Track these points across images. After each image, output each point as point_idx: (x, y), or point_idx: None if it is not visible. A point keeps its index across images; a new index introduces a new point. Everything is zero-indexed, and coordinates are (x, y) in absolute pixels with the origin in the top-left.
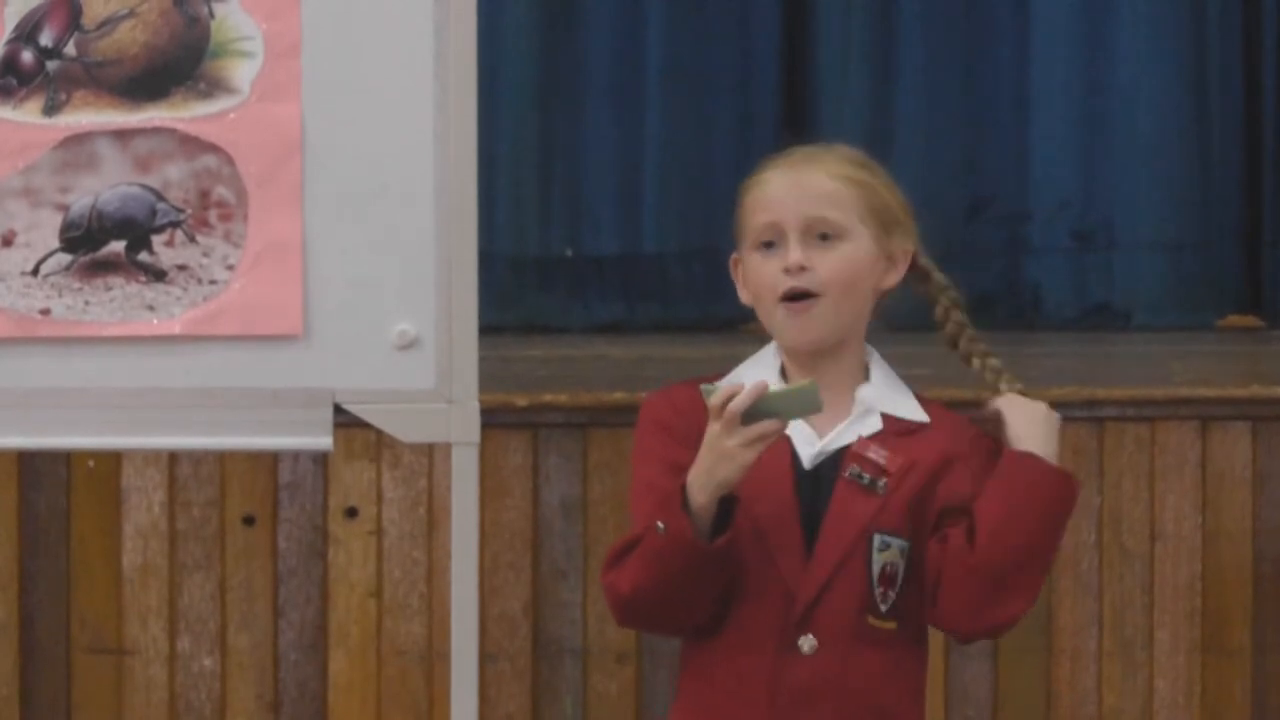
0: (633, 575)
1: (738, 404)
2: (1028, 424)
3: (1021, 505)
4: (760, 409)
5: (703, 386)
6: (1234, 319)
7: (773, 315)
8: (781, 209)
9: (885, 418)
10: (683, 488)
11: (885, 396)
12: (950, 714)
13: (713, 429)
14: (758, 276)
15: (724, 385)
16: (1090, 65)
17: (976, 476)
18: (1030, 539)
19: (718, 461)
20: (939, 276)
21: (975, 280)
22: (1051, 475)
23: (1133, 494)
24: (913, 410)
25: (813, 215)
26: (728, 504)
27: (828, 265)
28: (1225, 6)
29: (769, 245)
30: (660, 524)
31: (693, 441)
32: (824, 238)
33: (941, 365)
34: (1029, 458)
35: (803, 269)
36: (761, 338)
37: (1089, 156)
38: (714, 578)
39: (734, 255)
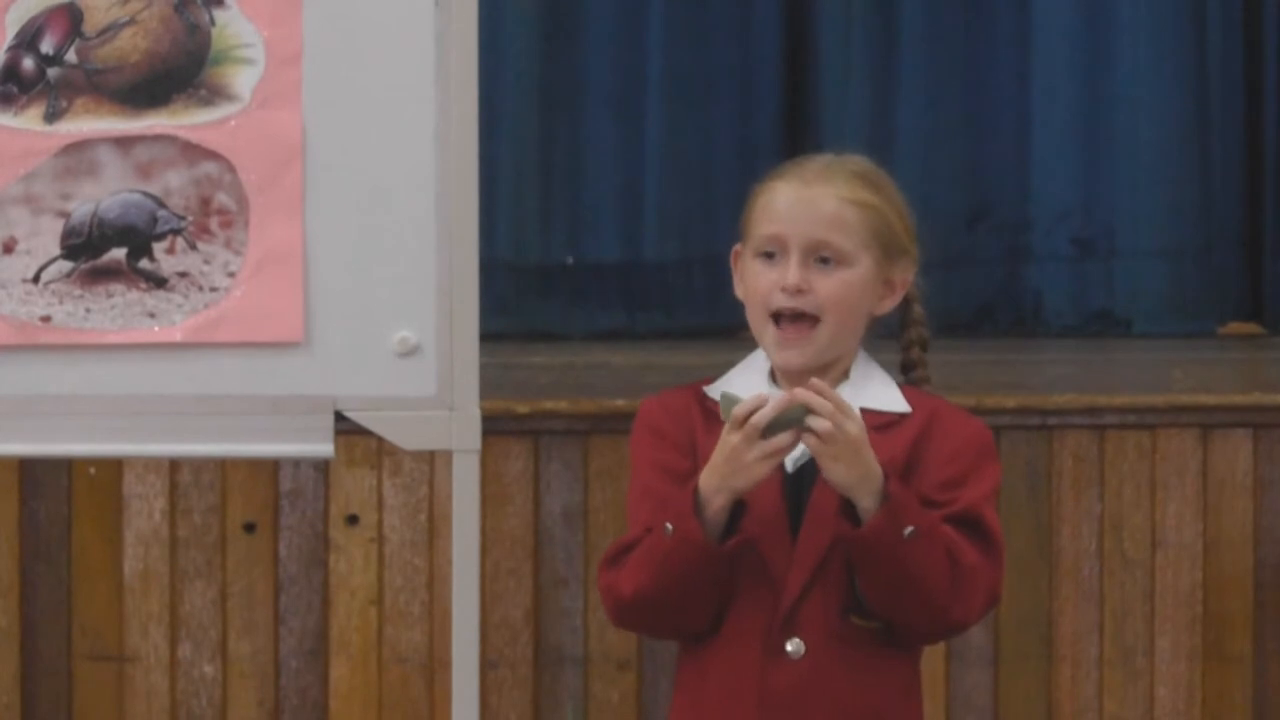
0: (634, 577)
1: (761, 418)
2: (836, 470)
3: (871, 580)
4: (779, 421)
5: (723, 393)
6: (1235, 326)
7: (763, 330)
8: (787, 225)
9: (865, 413)
10: (694, 491)
11: (863, 391)
12: None
13: (730, 439)
14: (754, 282)
15: (748, 397)
16: (1091, 73)
17: (951, 462)
18: (896, 593)
19: (734, 472)
20: (918, 310)
21: (976, 288)
22: (862, 541)
23: (1134, 501)
24: (893, 401)
25: (817, 237)
26: (736, 508)
27: (825, 289)
28: (1226, 14)
29: (770, 256)
30: (669, 525)
31: (686, 447)
32: (825, 261)
33: (939, 370)
34: (848, 538)
35: (800, 290)
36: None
37: (1090, 164)
38: (717, 581)
39: (736, 246)
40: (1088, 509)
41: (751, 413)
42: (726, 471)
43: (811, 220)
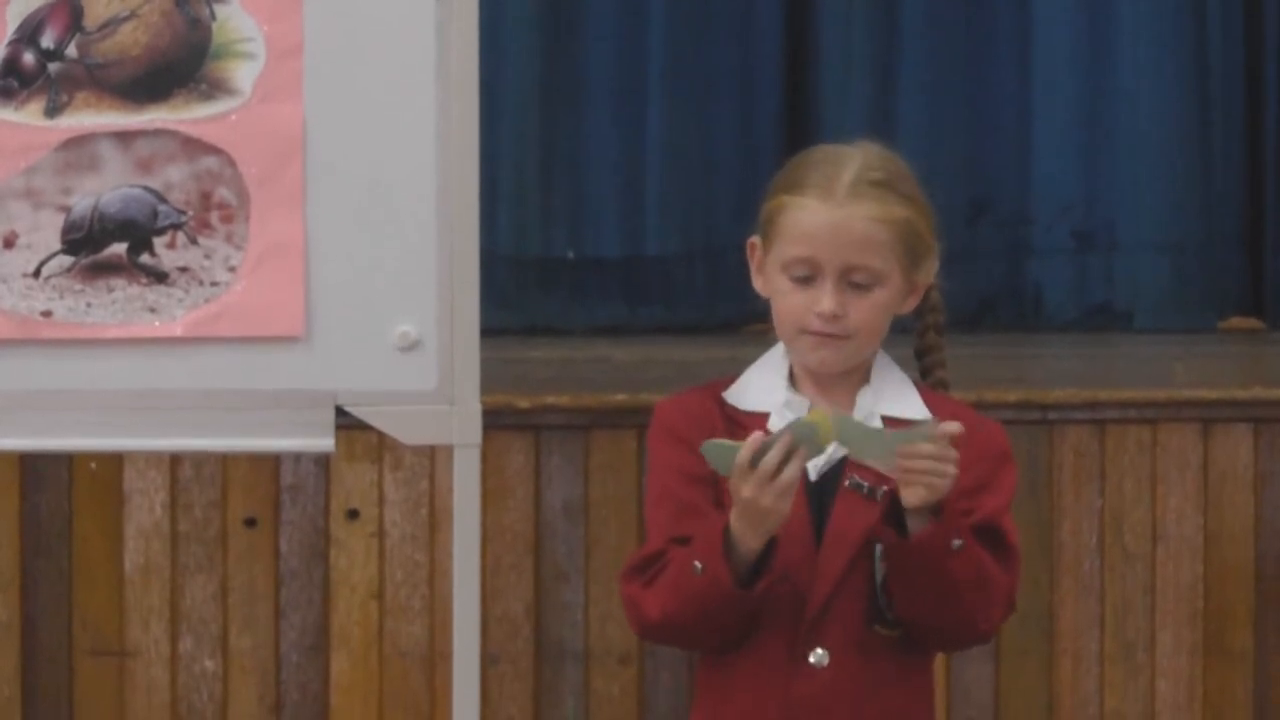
0: (662, 604)
1: (770, 461)
2: (919, 493)
3: (910, 589)
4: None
5: (706, 445)
6: (1236, 321)
7: (794, 338)
8: (819, 249)
9: (886, 420)
10: (723, 531)
11: (885, 398)
12: (952, 715)
13: (742, 493)
14: (784, 302)
15: (743, 446)
16: (1092, 67)
17: (970, 469)
18: (936, 604)
19: (759, 520)
20: (934, 295)
21: (977, 282)
22: (910, 550)
23: (1134, 496)
24: (915, 409)
25: (851, 262)
26: (768, 543)
27: (861, 312)
28: (1227, 8)
29: (801, 276)
30: (698, 565)
31: None
32: (858, 283)
33: (951, 366)
34: (897, 546)
35: (835, 317)
36: (764, 338)
37: (1091, 158)
38: (747, 615)
39: (751, 239)
40: (1088, 503)
41: (752, 456)
42: (748, 523)
43: (844, 245)
